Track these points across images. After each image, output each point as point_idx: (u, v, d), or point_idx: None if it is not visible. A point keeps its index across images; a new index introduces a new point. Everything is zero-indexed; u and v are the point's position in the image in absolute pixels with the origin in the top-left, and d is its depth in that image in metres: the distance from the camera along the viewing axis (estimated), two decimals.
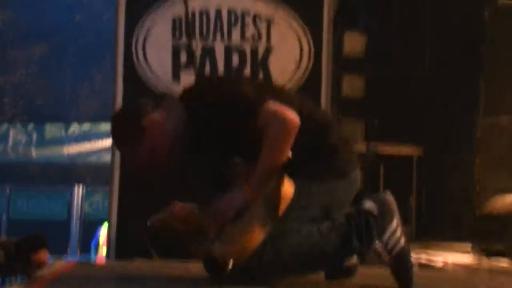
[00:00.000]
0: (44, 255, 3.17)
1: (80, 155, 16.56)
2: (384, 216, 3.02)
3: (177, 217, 3.20)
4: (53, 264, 3.77)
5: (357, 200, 3.17)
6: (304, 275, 3.13)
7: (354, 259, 3.21)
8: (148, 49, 6.39)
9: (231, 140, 3.03)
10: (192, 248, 3.07)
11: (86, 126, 16.51)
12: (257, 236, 2.87)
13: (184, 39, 6.46)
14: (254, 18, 6.56)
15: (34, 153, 16.48)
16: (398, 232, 3.01)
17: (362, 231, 3.01)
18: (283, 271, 3.02)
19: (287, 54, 6.63)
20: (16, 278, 3.12)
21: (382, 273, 3.11)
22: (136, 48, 6.37)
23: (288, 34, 6.64)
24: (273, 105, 2.97)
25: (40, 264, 3.15)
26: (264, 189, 2.91)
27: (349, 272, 3.23)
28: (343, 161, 3.14)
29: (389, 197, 3.09)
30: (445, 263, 4.82)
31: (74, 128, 16.53)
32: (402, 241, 3.00)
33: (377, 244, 3.00)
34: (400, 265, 3.00)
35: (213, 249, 2.92)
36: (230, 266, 2.89)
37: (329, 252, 3.01)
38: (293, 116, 2.95)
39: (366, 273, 3.38)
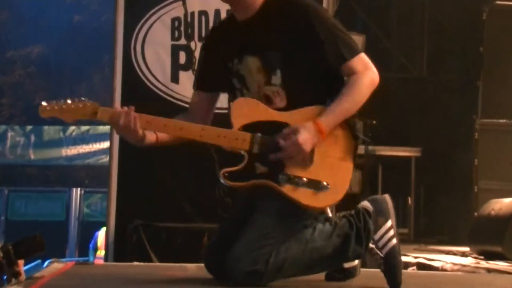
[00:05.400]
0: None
1: (78, 156, 16.56)
2: (379, 215, 3.04)
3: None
4: (52, 265, 3.78)
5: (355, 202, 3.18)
6: (305, 275, 3.13)
7: (356, 261, 3.22)
8: (147, 50, 6.39)
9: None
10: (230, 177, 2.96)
11: (84, 128, 16.51)
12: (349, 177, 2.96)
13: (183, 39, 6.47)
14: None
15: (32, 154, 16.48)
16: (391, 232, 3.03)
17: (361, 232, 3.02)
18: (285, 276, 3.03)
19: None
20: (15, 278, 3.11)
21: (379, 274, 3.11)
22: (135, 49, 6.37)
23: None
24: (367, 58, 3.07)
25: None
26: (332, 129, 2.95)
27: (350, 274, 3.23)
28: None
29: (387, 199, 3.10)
30: (443, 265, 4.82)
31: (72, 129, 16.52)
32: (394, 241, 3.02)
33: (371, 243, 3.03)
34: (389, 265, 3.01)
35: (316, 199, 2.91)
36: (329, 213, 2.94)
37: (330, 255, 3.03)
38: (377, 75, 3.06)
39: (366, 274, 3.38)
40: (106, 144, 13.94)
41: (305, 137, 2.92)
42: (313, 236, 3.00)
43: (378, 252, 3.00)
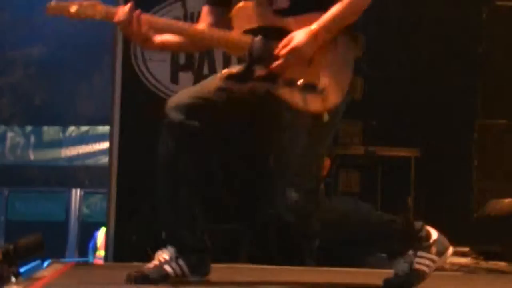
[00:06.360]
0: None
1: (78, 157, 16.55)
2: (437, 243, 3.13)
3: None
4: (52, 265, 3.78)
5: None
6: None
7: None
8: (146, 50, 6.39)
9: None
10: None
11: (84, 129, 16.50)
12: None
13: None
14: None
15: (32, 155, 16.46)
16: (433, 264, 3.09)
17: (407, 237, 3.10)
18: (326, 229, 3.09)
19: None
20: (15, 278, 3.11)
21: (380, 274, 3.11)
22: (134, 49, 6.37)
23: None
24: None
25: None
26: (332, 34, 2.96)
27: None
28: None
29: (448, 246, 3.21)
30: (443, 265, 4.81)
31: (72, 130, 16.52)
32: (427, 270, 3.07)
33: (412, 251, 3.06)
34: (407, 278, 3.03)
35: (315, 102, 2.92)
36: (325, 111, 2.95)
37: (371, 233, 3.11)
38: None
39: (366, 275, 3.38)
40: (105, 145, 13.91)
41: (301, 43, 2.91)
42: (362, 210, 3.14)
43: (413, 261, 3.03)
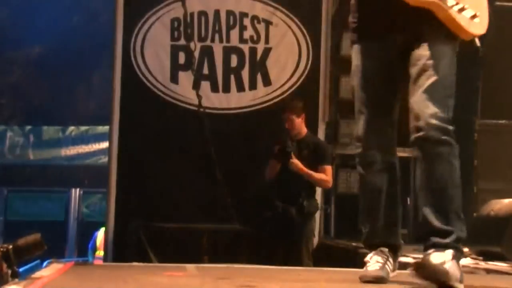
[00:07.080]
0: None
1: (77, 157, 16.55)
2: (462, 273, 3.18)
3: None
4: (51, 265, 3.77)
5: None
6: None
7: None
8: (146, 50, 6.40)
9: None
10: None
11: (83, 128, 16.51)
12: None
13: (182, 40, 6.47)
14: (253, 20, 6.57)
15: (31, 155, 16.46)
16: None
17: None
18: None
19: (286, 55, 6.65)
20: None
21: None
22: (134, 49, 6.37)
23: (286, 35, 6.66)
24: None
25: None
26: None
27: None
28: None
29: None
30: None
31: (72, 130, 16.52)
32: None
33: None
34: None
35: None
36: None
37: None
38: None
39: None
40: (105, 144, 13.91)
41: None
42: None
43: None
